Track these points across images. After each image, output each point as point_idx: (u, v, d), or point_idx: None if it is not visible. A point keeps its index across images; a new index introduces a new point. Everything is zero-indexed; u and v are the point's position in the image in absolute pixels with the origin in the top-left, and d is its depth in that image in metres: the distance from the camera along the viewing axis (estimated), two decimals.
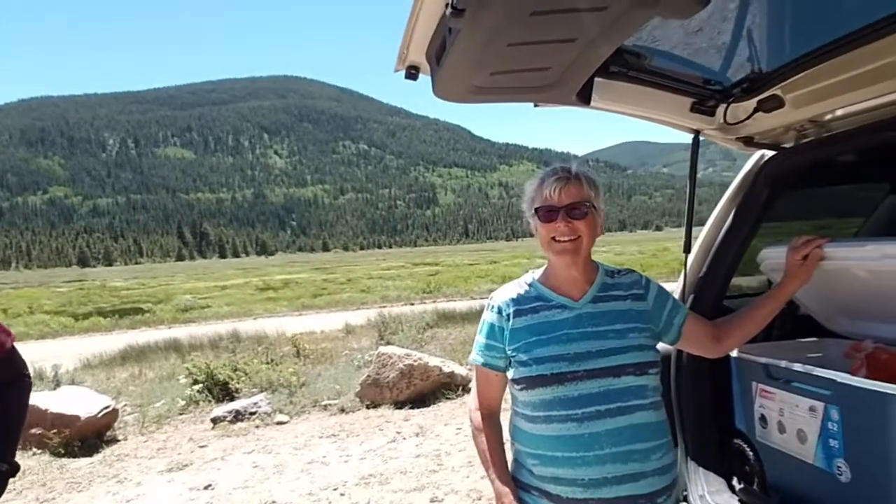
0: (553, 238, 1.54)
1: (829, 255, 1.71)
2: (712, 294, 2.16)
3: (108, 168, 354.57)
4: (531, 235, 1.60)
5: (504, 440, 1.65)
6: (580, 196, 1.52)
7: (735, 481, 2.06)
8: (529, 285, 1.65)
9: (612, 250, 59.79)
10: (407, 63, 1.67)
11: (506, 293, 1.65)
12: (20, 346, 2.07)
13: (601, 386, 1.49)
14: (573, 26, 1.30)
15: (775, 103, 1.86)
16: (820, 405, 1.66)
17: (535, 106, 1.99)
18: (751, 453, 1.97)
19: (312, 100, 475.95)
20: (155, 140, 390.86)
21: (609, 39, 1.41)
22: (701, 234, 2.27)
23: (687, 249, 2.20)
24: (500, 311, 1.62)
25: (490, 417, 1.66)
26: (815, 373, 1.67)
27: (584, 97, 1.80)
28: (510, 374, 1.59)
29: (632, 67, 1.82)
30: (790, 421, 1.77)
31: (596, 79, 1.76)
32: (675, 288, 2.22)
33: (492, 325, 1.63)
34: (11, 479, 1.96)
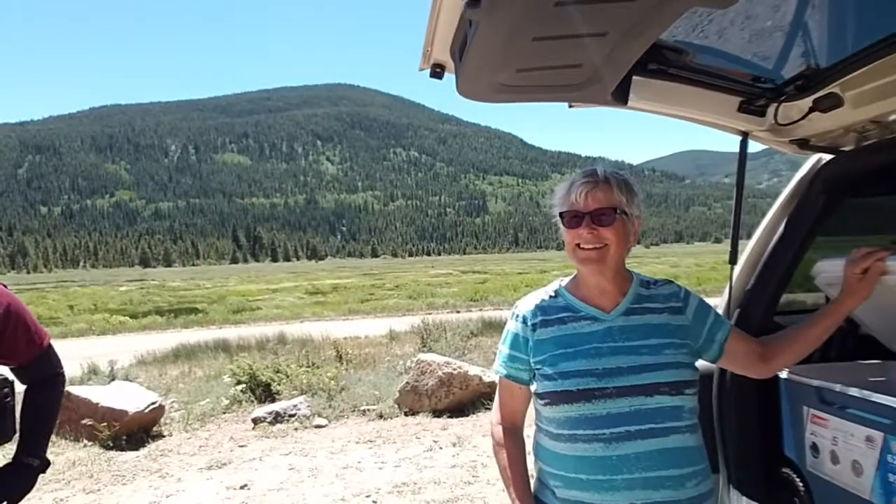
0: (577, 245, 1.44)
1: (892, 269, 1.54)
2: (760, 309, 1.99)
3: (169, 173, 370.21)
4: None
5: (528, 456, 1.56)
6: (608, 201, 1.41)
7: None
8: (557, 294, 1.55)
9: (667, 262, 58.15)
10: (431, 61, 1.60)
11: (531, 301, 1.57)
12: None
13: (632, 405, 1.39)
14: (603, 18, 1.21)
15: (833, 102, 1.71)
16: (878, 435, 1.49)
17: (570, 106, 1.90)
18: (800, 484, 1.80)
19: (365, 107, 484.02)
20: (214, 146, 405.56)
21: (644, 33, 1.31)
22: (749, 244, 2.11)
23: (733, 260, 2.04)
24: (524, 321, 1.54)
25: (512, 432, 1.58)
26: (873, 399, 1.51)
27: (620, 97, 1.69)
28: (534, 387, 1.51)
29: (672, 64, 1.70)
30: (844, 451, 1.61)
31: (634, 77, 1.66)
32: (719, 302, 2.07)
33: (516, 336, 1.54)
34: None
